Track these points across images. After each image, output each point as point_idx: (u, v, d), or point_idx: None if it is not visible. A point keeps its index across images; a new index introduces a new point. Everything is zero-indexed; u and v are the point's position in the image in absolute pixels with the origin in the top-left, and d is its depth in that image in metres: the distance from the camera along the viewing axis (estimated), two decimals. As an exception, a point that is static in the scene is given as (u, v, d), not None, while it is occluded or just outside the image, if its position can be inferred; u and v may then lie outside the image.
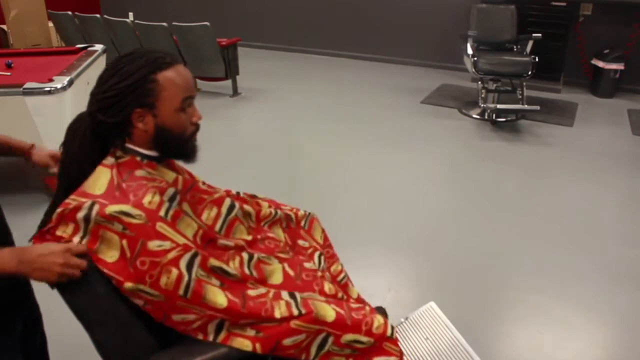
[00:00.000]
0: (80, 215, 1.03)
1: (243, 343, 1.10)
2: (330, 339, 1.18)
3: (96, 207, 1.03)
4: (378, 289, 2.32)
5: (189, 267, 1.07)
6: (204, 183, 1.36)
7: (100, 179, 1.10)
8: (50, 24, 5.87)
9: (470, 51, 4.43)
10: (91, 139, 1.16)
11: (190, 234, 1.14)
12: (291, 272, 1.29)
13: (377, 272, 2.47)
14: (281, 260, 1.32)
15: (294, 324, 1.14)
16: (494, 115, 4.46)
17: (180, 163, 1.29)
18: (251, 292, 1.17)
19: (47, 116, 2.78)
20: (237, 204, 1.37)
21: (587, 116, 4.61)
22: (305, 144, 4.04)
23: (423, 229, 2.83)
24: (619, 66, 4.94)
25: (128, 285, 1.03)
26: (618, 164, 3.64)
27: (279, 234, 1.45)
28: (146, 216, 1.05)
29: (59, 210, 1.05)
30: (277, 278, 1.26)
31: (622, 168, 3.58)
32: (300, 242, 1.48)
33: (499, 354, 1.98)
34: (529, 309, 2.21)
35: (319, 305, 1.19)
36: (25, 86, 2.72)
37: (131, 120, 1.12)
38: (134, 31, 5.16)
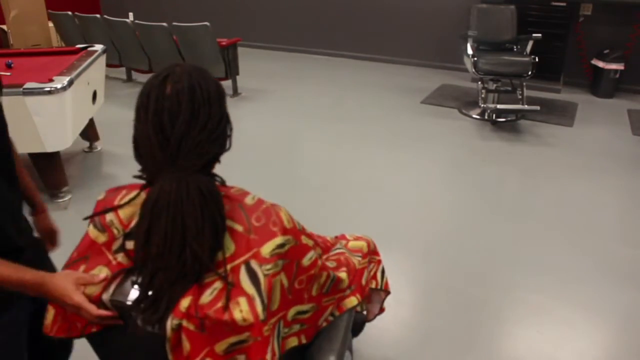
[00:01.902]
0: (244, 278, 0.91)
1: (352, 301, 1.24)
2: (372, 265, 1.46)
3: (253, 261, 0.92)
4: (378, 289, 2.32)
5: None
6: None
7: (226, 237, 0.96)
8: (50, 24, 5.87)
9: (470, 51, 4.43)
10: (216, 188, 0.97)
11: (306, 230, 1.13)
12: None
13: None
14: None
15: (360, 265, 1.34)
16: (494, 116, 4.46)
17: None
18: (331, 264, 1.24)
19: (47, 116, 2.78)
20: None
21: (587, 116, 4.61)
22: (305, 143, 4.04)
23: (423, 228, 2.83)
24: (619, 66, 4.94)
25: (290, 314, 1.03)
26: (618, 164, 3.64)
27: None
28: (294, 237, 1.00)
29: (215, 289, 0.91)
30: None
31: (622, 168, 3.58)
32: None
33: (499, 354, 1.98)
34: (529, 309, 2.21)
35: (354, 244, 1.42)
36: (25, 86, 2.72)
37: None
38: (134, 31, 5.16)
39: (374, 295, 1.53)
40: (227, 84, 5.20)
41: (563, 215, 2.96)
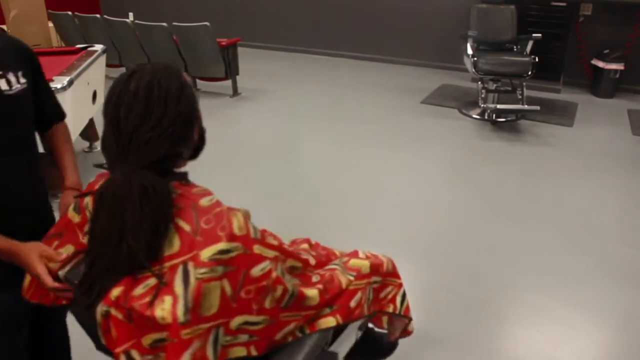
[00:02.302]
0: (178, 278, 0.91)
1: (328, 322, 1.17)
2: (371, 289, 1.31)
3: (190, 263, 0.92)
4: (378, 289, 2.32)
5: (283, 276, 1.06)
6: None
7: (173, 237, 0.96)
8: (50, 24, 5.87)
9: (470, 51, 4.43)
10: (167, 186, 0.98)
11: (273, 241, 1.08)
12: (314, 253, 1.36)
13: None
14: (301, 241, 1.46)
15: (353, 285, 1.25)
16: (494, 116, 4.45)
17: None
18: (314, 279, 1.21)
19: (47, 116, 2.78)
20: None
21: (587, 116, 4.61)
22: (305, 143, 4.04)
23: (422, 228, 2.83)
24: (619, 66, 4.94)
25: (234, 322, 0.97)
26: (618, 164, 3.64)
27: None
28: (242, 245, 0.96)
29: (147, 284, 0.93)
30: (311, 260, 1.31)
31: (622, 168, 3.58)
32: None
33: (499, 354, 1.98)
34: (529, 309, 2.21)
35: (355, 262, 1.32)
36: (25, 86, 2.71)
37: (193, 135, 1.04)
38: (134, 31, 5.16)
39: (396, 321, 1.49)
40: (227, 84, 5.20)
41: (563, 215, 2.96)
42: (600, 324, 2.14)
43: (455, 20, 5.74)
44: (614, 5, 5.04)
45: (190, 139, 1.03)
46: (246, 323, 0.99)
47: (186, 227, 0.95)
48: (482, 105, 4.39)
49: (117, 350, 0.93)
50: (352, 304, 1.23)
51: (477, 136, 4.14)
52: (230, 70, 5.01)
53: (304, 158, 3.79)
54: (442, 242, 2.70)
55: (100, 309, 0.94)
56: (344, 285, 1.23)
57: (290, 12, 6.84)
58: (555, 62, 5.31)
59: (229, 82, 5.16)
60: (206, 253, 0.91)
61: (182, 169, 1.06)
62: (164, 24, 4.92)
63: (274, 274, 1.01)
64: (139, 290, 0.93)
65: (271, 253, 1.03)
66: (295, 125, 4.41)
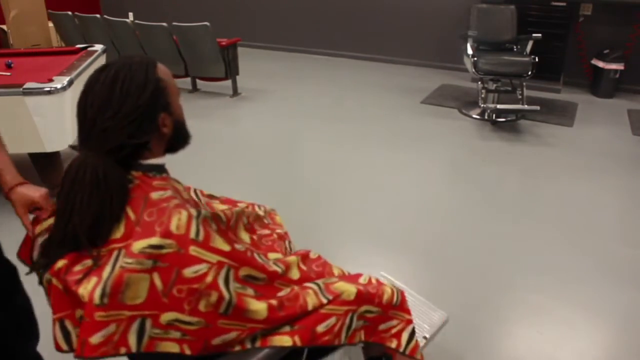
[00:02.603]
0: (110, 263, 0.97)
1: (282, 340, 1.10)
2: (355, 317, 1.21)
3: (123, 251, 0.97)
4: (378, 289, 2.32)
5: (227, 284, 1.04)
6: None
7: (121, 223, 1.03)
8: (50, 24, 5.87)
9: (470, 51, 4.43)
10: (121, 178, 1.04)
11: (225, 245, 1.08)
12: (304, 267, 1.30)
13: (377, 272, 2.47)
14: (295, 254, 1.34)
15: (323, 310, 1.16)
16: (494, 116, 4.46)
17: None
18: (282, 294, 1.16)
19: (47, 116, 2.78)
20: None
21: (587, 116, 4.61)
22: (305, 144, 4.04)
23: (422, 228, 2.83)
24: (619, 66, 4.94)
25: (165, 317, 0.98)
26: (618, 164, 3.64)
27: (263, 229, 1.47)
28: (177, 243, 0.98)
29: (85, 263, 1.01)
30: (295, 274, 1.25)
31: (622, 168, 3.58)
32: (278, 230, 1.50)
33: (499, 354, 1.98)
34: (529, 309, 2.21)
35: (339, 286, 1.22)
36: (25, 86, 2.72)
37: (158, 128, 1.08)
38: (134, 31, 5.16)
39: (398, 357, 1.38)
40: (227, 84, 5.20)
41: (563, 215, 2.96)
42: (600, 324, 2.14)
43: (455, 20, 5.74)
44: (614, 5, 5.04)
45: (152, 132, 1.07)
46: (177, 320, 0.99)
47: (132, 216, 1.02)
48: (482, 105, 4.39)
49: (54, 317, 1.02)
50: (320, 328, 1.14)
51: (477, 136, 4.15)
52: (230, 70, 5.01)
53: (304, 158, 3.79)
54: (442, 242, 2.70)
55: (46, 276, 1.03)
56: (309, 307, 1.15)
57: (290, 12, 6.84)
58: (555, 62, 5.31)
59: (229, 82, 5.16)
60: (138, 245, 0.96)
61: (159, 161, 1.13)
62: (164, 24, 4.92)
63: (208, 278, 1.00)
64: (78, 267, 1.00)
65: (213, 257, 1.03)
66: (295, 125, 4.42)
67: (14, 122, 2.75)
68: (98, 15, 5.40)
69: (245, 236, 1.33)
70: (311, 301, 1.16)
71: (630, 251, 2.62)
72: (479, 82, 4.47)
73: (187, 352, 1.02)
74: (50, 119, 2.79)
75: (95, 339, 0.93)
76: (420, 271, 2.49)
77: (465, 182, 3.39)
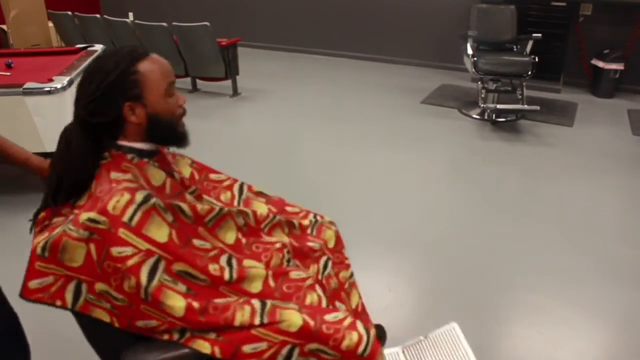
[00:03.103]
0: (61, 226, 1.09)
1: (203, 345, 1.10)
2: (296, 351, 1.13)
3: (72, 218, 1.08)
4: (378, 290, 2.32)
5: (152, 273, 1.07)
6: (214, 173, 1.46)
7: (86, 193, 1.16)
8: (50, 24, 5.87)
9: (470, 51, 4.43)
10: (84, 147, 1.17)
11: (162, 236, 1.11)
12: (272, 283, 1.25)
13: (377, 272, 2.47)
14: (267, 268, 1.28)
15: (255, 330, 1.11)
16: (494, 115, 4.45)
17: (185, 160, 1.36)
18: (218, 300, 1.13)
19: (47, 116, 2.78)
20: (244, 191, 1.47)
21: (587, 116, 4.61)
22: (305, 143, 4.04)
23: (423, 228, 2.83)
24: (619, 66, 4.94)
25: (98, 286, 1.08)
26: (618, 164, 3.64)
27: (282, 237, 1.42)
28: (109, 222, 1.05)
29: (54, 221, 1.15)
30: (256, 286, 1.22)
31: (622, 168, 3.58)
32: (310, 243, 1.45)
33: (499, 354, 1.98)
34: (529, 309, 2.21)
35: (287, 313, 1.14)
36: (25, 86, 2.72)
37: (123, 115, 1.16)
38: (134, 31, 5.16)
39: None
40: (227, 84, 5.20)
41: (563, 215, 2.96)
42: (600, 324, 2.14)
43: (455, 20, 5.74)
44: (614, 5, 5.04)
45: (112, 116, 1.15)
46: (107, 293, 1.08)
47: (93, 188, 1.14)
48: (482, 105, 4.39)
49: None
50: (246, 348, 1.10)
51: (477, 136, 4.15)
52: (230, 70, 5.01)
53: (304, 158, 3.79)
54: (442, 242, 2.70)
55: (32, 224, 1.20)
56: (236, 322, 1.11)
57: (290, 12, 6.84)
58: (555, 62, 5.31)
59: (229, 82, 5.16)
60: (82, 216, 1.06)
61: (146, 146, 1.23)
62: (164, 24, 4.92)
63: (129, 262, 1.05)
64: (51, 221, 1.15)
65: (143, 244, 1.07)
66: (295, 125, 4.41)
67: (14, 122, 2.75)
68: (98, 15, 5.40)
69: (229, 236, 1.30)
70: (240, 317, 1.11)
71: (630, 251, 2.62)
72: (479, 82, 4.47)
73: (116, 324, 1.10)
74: (50, 119, 2.79)
75: (32, 284, 1.08)
76: (420, 271, 2.49)
77: (465, 182, 3.39)
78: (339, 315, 1.20)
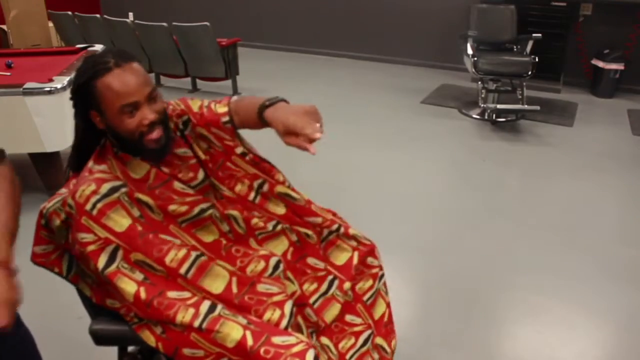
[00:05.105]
0: (59, 200, 1.21)
1: (149, 337, 1.15)
2: None
3: (64, 195, 1.20)
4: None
5: (111, 259, 1.14)
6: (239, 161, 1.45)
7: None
8: (50, 24, 5.87)
9: (470, 51, 4.43)
10: (83, 131, 1.26)
11: (121, 226, 1.15)
12: (235, 289, 1.22)
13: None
14: (232, 274, 1.24)
15: (193, 336, 1.12)
16: (494, 115, 4.45)
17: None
18: (171, 293, 1.15)
19: (47, 116, 2.78)
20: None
21: (587, 116, 4.61)
22: (305, 144, 4.03)
23: (422, 228, 2.83)
24: (619, 66, 4.94)
25: (73, 264, 1.23)
26: (618, 164, 3.64)
27: (276, 248, 1.36)
28: (76, 208, 1.13)
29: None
30: (217, 287, 1.21)
31: (622, 168, 3.58)
32: (311, 260, 1.40)
33: (499, 354, 1.98)
34: (529, 309, 2.21)
35: (229, 325, 1.12)
36: (25, 86, 2.72)
37: (90, 118, 1.21)
38: (134, 31, 5.16)
39: None
40: (227, 84, 5.20)
41: (563, 215, 2.96)
42: (600, 324, 2.14)
43: (455, 20, 5.74)
44: (614, 5, 5.04)
45: (84, 117, 1.20)
46: (82, 270, 1.21)
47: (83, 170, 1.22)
48: (482, 105, 4.39)
49: None
50: (186, 351, 1.12)
51: (477, 136, 4.15)
52: (230, 70, 5.01)
53: (304, 158, 3.78)
54: (442, 242, 2.70)
55: None
56: (177, 320, 1.12)
57: (290, 12, 6.84)
58: (555, 62, 5.31)
59: (229, 82, 5.15)
60: (69, 198, 1.16)
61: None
62: (164, 24, 4.92)
63: (89, 248, 1.13)
64: (69, 184, 1.25)
65: (102, 232, 1.14)
66: (295, 125, 4.41)
67: (14, 122, 2.75)
68: (98, 15, 5.41)
69: (207, 237, 1.27)
70: (181, 318, 1.12)
71: (630, 251, 2.62)
72: (479, 82, 4.47)
73: (94, 299, 1.22)
74: (50, 119, 2.79)
75: (37, 249, 1.23)
76: (420, 271, 2.49)
77: (465, 182, 3.39)
78: (291, 339, 1.13)
